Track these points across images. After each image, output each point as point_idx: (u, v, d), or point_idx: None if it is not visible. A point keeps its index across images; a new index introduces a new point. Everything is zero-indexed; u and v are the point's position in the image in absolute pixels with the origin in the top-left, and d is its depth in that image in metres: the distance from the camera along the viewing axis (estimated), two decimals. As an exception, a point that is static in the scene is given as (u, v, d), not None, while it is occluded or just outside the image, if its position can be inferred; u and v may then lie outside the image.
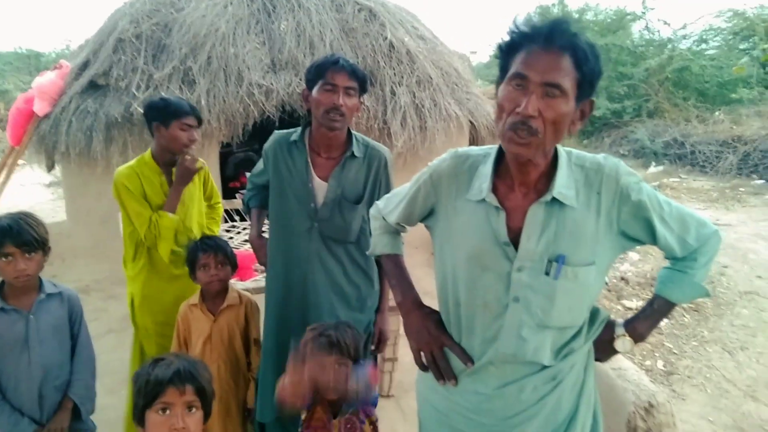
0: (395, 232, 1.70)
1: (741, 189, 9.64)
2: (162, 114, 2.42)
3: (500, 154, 1.37)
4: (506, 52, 1.26)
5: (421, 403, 1.63)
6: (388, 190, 2.16)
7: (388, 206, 1.64)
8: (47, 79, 5.16)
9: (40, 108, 5.09)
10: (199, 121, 2.52)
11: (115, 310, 4.41)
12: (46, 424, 2.00)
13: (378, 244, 1.70)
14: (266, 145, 2.25)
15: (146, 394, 1.36)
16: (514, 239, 1.30)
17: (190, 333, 2.38)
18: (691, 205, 8.94)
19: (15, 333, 1.93)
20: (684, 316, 4.84)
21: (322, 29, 5.36)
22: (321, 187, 2.15)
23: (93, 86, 5.11)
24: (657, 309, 1.44)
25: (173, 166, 2.51)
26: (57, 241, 1.99)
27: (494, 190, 1.33)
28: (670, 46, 14.66)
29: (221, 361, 2.34)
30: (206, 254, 2.33)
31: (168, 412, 1.36)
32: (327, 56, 2.08)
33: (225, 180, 5.88)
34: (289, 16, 5.38)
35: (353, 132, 2.19)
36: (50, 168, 5.76)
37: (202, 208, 2.77)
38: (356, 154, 2.14)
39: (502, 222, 1.31)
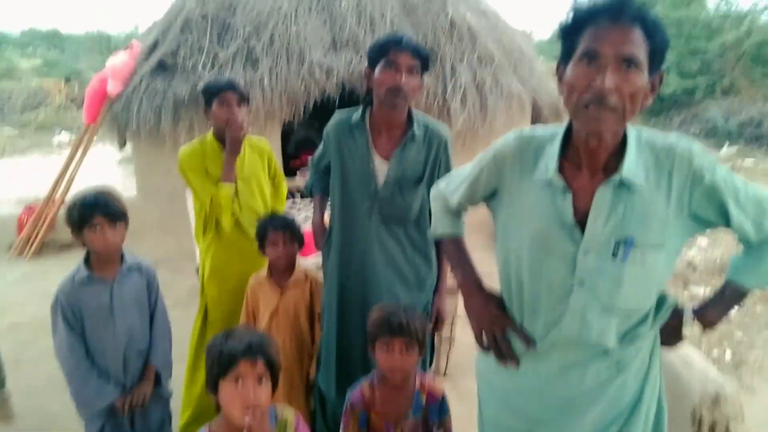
0: (456, 212, 1.69)
1: (823, 172, 9.07)
2: (205, 95, 2.54)
3: (567, 134, 1.33)
4: (570, 31, 1.22)
5: (481, 384, 1.64)
6: (447, 170, 2.15)
7: (450, 186, 1.63)
8: (120, 60, 5.35)
9: (113, 87, 5.30)
10: (241, 98, 2.53)
11: (182, 283, 4.60)
12: (131, 388, 2.13)
13: (439, 225, 1.70)
14: (327, 127, 2.26)
15: (220, 365, 1.43)
16: (581, 221, 1.28)
17: (258, 305, 2.46)
18: (767, 188, 8.46)
19: (101, 301, 2.04)
20: (756, 305, 4.63)
21: (383, 6, 5.33)
22: (382, 168, 2.16)
23: (162, 66, 5.27)
24: (729, 296, 1.39)
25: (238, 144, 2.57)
26: (128, 216, 2.10)
27: (560, 170, 1.30)
28: (749, 18, 13.77)
29: (287, 335, 2.42)
30: (276, 231, 2.39)
31: (240, 383, 1.42)
32: (389, 35, 2.06)
33: (286, 158, 5.98)
34: (351, -6, 5.37)
35: (414, 111, 2.17)
36: (122, 146, 6.01)
37: (266, 188, 2.83)
38: (417, 134, 2.13)
39: (568, 203, 1.28)
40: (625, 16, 1.14)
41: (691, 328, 1.39)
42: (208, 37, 5.18)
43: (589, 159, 1.28)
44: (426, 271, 2.30)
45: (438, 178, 2.10)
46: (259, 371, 1.44)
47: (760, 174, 9.33)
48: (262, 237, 2.43)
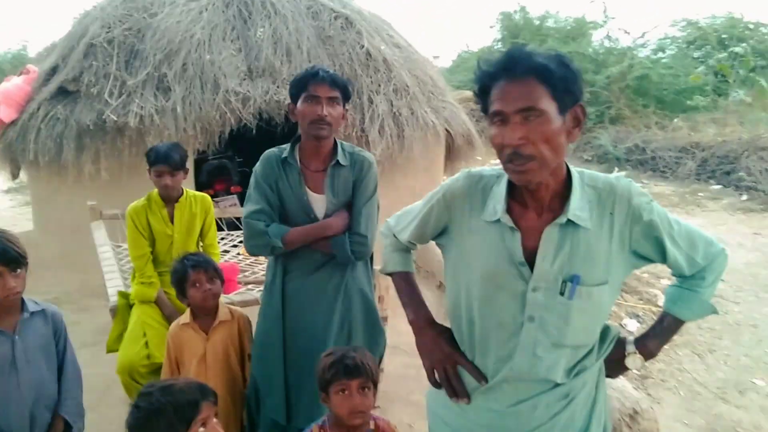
0: (406, 249, 1.72)
1: (700, 194, 10.00)
2: (147, 160, 2.80)
3: None
4: (481, 96, 1.31)
5: (432, 420, 1.65)
6: (367, 190, 2.23)
7: (400, 224, 1.66)
8: (13, 84, 4.99)
9: (6, 114, 4.92)
10: (176, 167, 2.78)
11: (88, 323, 4.27)
12: None
13: (389, 262, 1.72)
14: (257, 168, 2.24)
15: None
16: (529, 259, 1.33)
17: (182, 353, 2.32)
18: (654, 209, 9.20)
19: (1, 355, 1.86)
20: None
21: (299, 36, 5.34)
22: (316, 200, 2.20)
23: (63, 92, 4.95)
24: (667, 327, 1.49)
25: (173, 202, 2.91)
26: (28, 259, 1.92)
27: (508, 210, 1.35)
28: (629, 54, 15.08)
29: (218, 380, 2.29)
30: (196, 270, 2.28)
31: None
32: (307, 69, 2.14)
33: (199, 187, 5.77)
34: (266, 23, 5.33)
35: (339, 142, 2.25)
36: (15, 176, 5.56)
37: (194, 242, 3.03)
38: (342, 162, 2.19)
39: (517, 242, 1.33)
40: (517, 72, 1.22)
41: (633, 360, 1.47)
42: (114, 63, 4.94)
43: (533, 200, 1.34)
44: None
45: (358, 197, 2.21)
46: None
47: (646, 196, 10.14)
48: (180, 280, 2.30)
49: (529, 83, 1.21)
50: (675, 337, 4.60)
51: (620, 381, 2.83)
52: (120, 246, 3.93)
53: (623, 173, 11.96)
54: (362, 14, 5.94)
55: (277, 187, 2.20)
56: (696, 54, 15.15)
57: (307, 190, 2.19)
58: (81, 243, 4.36)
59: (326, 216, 2.20)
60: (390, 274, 1.74)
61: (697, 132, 12.19)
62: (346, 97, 2.18)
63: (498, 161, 1.33)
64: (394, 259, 1.71)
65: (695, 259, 1.40)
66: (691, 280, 1.45)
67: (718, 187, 10.26)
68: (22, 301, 1.94)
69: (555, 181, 1.33)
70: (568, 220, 1.30)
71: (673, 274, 1.48)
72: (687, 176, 11.03)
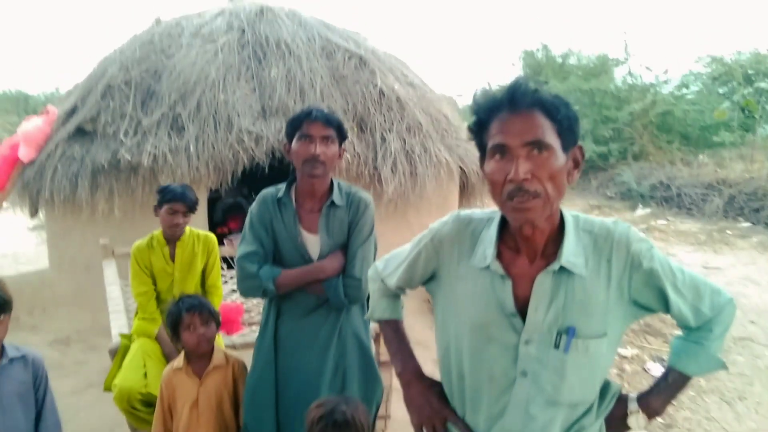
0: (395, 295, 1.64)
1: (728, 232, 9.71)
2: (158, 197, 2.84)
3: (504, 219, 1.32)
4: (478, 130, 1.24)
5: None
6: (363, 232, 2.19)
7: (388, 268, 1.58)
8: (33, 125, 5.10)
9: (25, 154, 5.02)
10: (190, 209, 2.85)
11: (96, 362, 4.24)
12: None
13: (377, 309, 1.64)
14: (252, 208, 2.22)
15: None
16: (521, 309, 1.24)
17: (175, 399, 2.26)
18: (680, 247, 8.96)
19: None
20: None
21: (313, 76, 5.39)
22: (311, 241, 2.17)
23: (80, 132, 5.05)
24: (672, 383, 1.37)
25: (175, 241, 2.94)
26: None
27: (499, 256, 1.28)
28: (652, 90, 14.98)
29: (210, 427, 2.22)
30: (190, 313, 2.24)
31: None
32: (302, 109, 2.14)
33: (213, 226, 5.79)
34: (280, 63, 5.40)
35: (336, 181, 2.21)
36: (33, 214, 5.64)
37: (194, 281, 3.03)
38: (337, 202, 2.16)
39: (508, 291, 1.25)
40: (522, 104, 1.16)
41: (636, 419, 1.35)
42: (131, 103, 5.03)
43: (526, 246, 1.26)
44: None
45: (353, 239, 2.17)
46: None
47: (672, 234, 9.89)
48: (175, 323, 2.26)
49: (535, 116, 1.15)
50: (702, 383, 4.39)
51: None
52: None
53: (648, 211, 11.74)
54: (376, 54, 5.99)
55: (272, 227, 2.17)
56: (721, 90, 14.97)
57: (302, 230, 2.17)
58: (94, 281, 4.37)
59: (320, 257, 2.15)
60: (378, 322, 1.65)
61: (724, 168, 11.93)
62: (342, 135, 2.15)
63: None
64: (382, 305, 1.63)
65: (701, 309, 1.30)
66: (697, 333, 1.33)
67: (747, 224, 9.95)
68: (3, 346, 1.92)
69: (550, 225, 1.25)
70: (562, 267, 1.21)
71: (679, 326, 1.36)
72: (714, 213, 10.76)
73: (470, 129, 1.26)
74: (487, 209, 1.41)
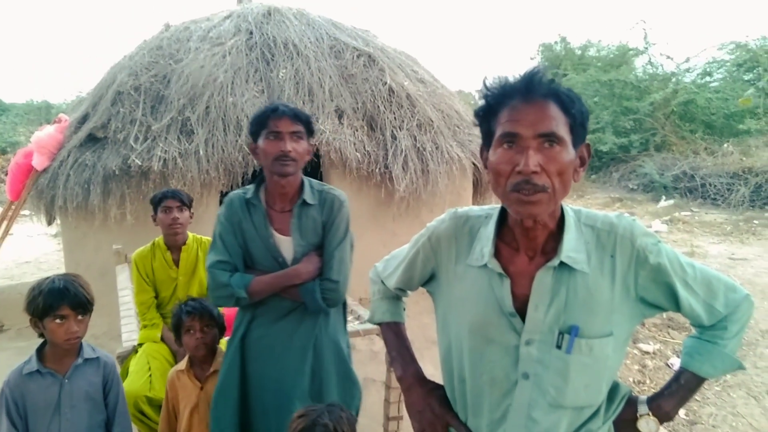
0: (396, 297, 1.59)
1: (755, 221, 9.46)
2: (152, 204, 2.92)
3: (502, 215, 1.27)
4: (485, 115, 1.18)
5: None
6: (338, 232, 2.10)
7: (387, 269, 1.54)
8: (46, 134, 5.15)
9: (38, 162, 5.07)
10: (183, 202, 2.90)
11: (111, 367, 4.28)
12: None
13: (377, 311, 1.59)
14: (220, 212, 2.15)
15: None
16: (521, 309, 1.19)
17: (178, 401, 2.26)
18: (706, 239, 8.76)
19: (48, 397, 1.90)
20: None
21: (321, 76, 5.35)
22: (284, 243, 2.09)
23: (92, 139, 5.09)
24: (684, 384, 1.29)
25: (179, 248, 2.98)
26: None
27: (497, 254, 1.23)
28: (674, 79, 14.70)
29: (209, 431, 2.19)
30: (191, 317, 2.22)
31: None
32: (266, 106, 2.04)
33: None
34: (288, 64, 5.37)
35: (307, 179, 2.13)
36: (50, 221, 5.71)
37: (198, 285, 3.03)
38: (309, 201, 2.08)
39: (506, 290, 1.20)
40: (537, 93, 1.10)
41: (647, 423, 1.27)
42: (140, 109, 5.04)
43: (526, 241, 1.20)
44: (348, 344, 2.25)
45: (329, 240, 2.08)
46: None
47: (697, 225, 9.66)
48: (177, 325, 2.25)
49: (549, 107, 1.10)
50: (728, 377, 4.26)
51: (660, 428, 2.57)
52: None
53: (671, 202, 11.49)
54: (385, 51, 5.93)
55: (242, 230, 2.08)
56: (746, 77, 14.58)
57: (274, 232, 2.08)
58: (108, 286, 4.38)
59: (295, 260, 2.07)
60: (378, 324, 1.60)
61: (750, 156, 11.63)
62: (310, 131, 2.06)
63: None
64: (382, 307, 1.58)
65: (715, 306, 1.22)
66: (711, 331, 1.26)
67: (775, 213, 9.69)
68: (80, 345, 1.97)
69: (551, 221, 1.19)
70: (563, 264, 1.16)
71: (692, 324, 1.29)
72: (740, 203, 10.50)
73: (476, 114, 1.20)
74: (485, 206, 1.36)
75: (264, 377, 2.09)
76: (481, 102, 1.19)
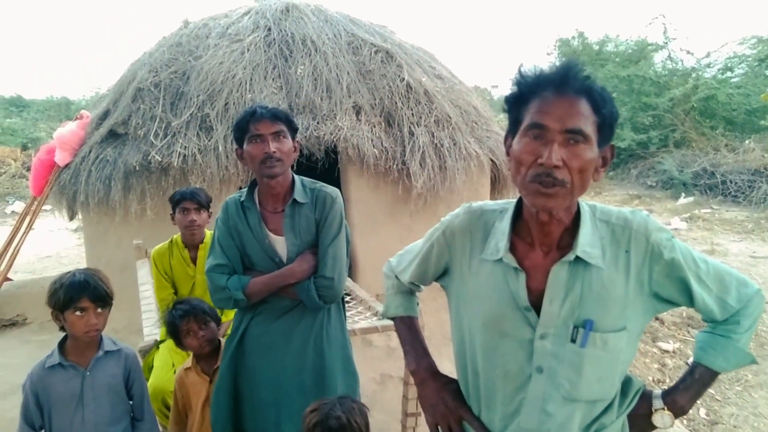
0: (409, 291, 1.61)
1: (777, 219, 9.30)
2: (171, 203, 2.98)
3: (518, 210, 1.27)
4: (516, 103, 1.18)
5: None
6: (332, 229, 2.12)
7: (401, 264, 1.55)
8: (68, 130, 5.22)
9: (61, 158, 5.15)
10: (201, 204, 2.93)
11: (132, 361, 4.33)
12: None
13: (390, 305, 1.60)
14: (218, 216, 2.19)
15: None
16: (536, 303, 1.20)
17: (189, 398, 2.28)
18: (726, 236, 8.64)
19: (70, 389, 1.94)
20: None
21: (339, 72, 5.35)
22: (278, 242, 2.12)
23: (112, 135, 5.14)
24: (698, 378, 1.30)
25: (196, 246, 3.02)
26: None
27: (512, 248, 1.23)
28: (694, 75, 14.51)
29: (222, 422, 2.22)
30: (185, 320, 2.24)
31: None
32: (245, 110, 2.07)
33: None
34: (306, 61, 5.38)
35: (299, 178, 2.16)
36: (72, 217, 5.79)
37: None
38: (301, 200, 2.10)
39: (521, 284, 1.20)
40: (571, 87, 1.10)
41: (661, 417, 1.27)
42: (160, 105, 5.08)
43: (541, 236, 1.21)
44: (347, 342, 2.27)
45: (323, 237, 2.11)
46: None
47: (717, 223, 9.54)
48: (174, 332, 2.26)
49: (580, 103, 1.10)
50: (750, 377, 4.22)
51: (678, 428, 2.55)
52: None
53: (691, 199, 11.34)
54: (403, 47, 5.92)
55: (238, 233, 2.12)
56: (768, 72, 14.35)
57: (269, 232, 2.11)
58: (129, 281, 4.44)
59: (289, 259, 2.10)
60: (392, 319, 1.61)
61: (772, 153, 11.44)
62: (293, 129, 2.09)
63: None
64: (396, 302, 1.59)
65: (727, 301, 1.23)
66: (724, 326, 1.26)
67: (798, 211, 9.53)
68: (101, 338, 2.01)
69: (567, 216, 1.20)
70: (578, 258, 1.16)
71: (704, 320, 1.30)
72: (762, 200, 10.35)
73: (507, 100, 1.21)
74: (500, 200, 1.36)
75: (260, 372, 2.12)
76: (513, 89, 1.18)
